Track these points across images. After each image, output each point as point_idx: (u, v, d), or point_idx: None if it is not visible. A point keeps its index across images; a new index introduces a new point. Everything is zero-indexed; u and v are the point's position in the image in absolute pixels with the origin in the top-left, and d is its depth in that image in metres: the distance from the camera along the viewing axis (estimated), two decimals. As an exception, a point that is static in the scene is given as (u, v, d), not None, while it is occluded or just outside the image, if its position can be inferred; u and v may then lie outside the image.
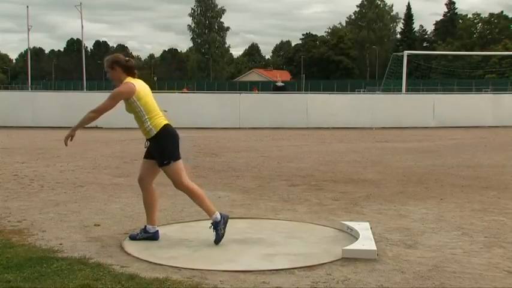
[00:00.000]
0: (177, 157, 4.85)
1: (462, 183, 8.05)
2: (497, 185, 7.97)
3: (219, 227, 4.81)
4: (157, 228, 4.97)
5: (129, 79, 4.81)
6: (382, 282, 3.85)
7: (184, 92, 26.96)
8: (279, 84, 26.58)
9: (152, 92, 5.03)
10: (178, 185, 4.91)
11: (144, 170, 5.00)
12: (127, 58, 4.88)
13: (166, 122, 4.86)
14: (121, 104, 4.92)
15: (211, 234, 4.84)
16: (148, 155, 4.96)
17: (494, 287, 3.83)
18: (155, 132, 4.79)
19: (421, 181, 8.27)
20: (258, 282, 3.85)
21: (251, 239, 4.99)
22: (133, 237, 4.92)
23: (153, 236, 4.91)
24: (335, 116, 20.35)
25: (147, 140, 4.88)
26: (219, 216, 4.83)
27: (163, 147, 4.80)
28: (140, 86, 4.82)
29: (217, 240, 4.78)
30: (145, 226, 4.96)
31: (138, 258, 4.37)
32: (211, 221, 4.85)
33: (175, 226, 5.46)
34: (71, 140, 4.94)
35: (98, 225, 5.45)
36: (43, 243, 4.74)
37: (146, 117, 4.79)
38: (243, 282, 3.86)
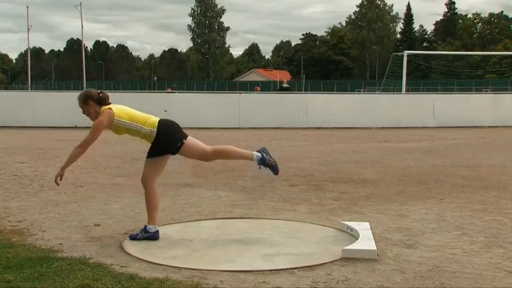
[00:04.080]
0: (184, 136, 4.90)
1: (462, 183, 8.05)
2: (497, 185, 7.97)
3: (267, 161, 4.85)
4: (157, 228, 4.97)
5: (104, 107, 4.86)
6: (382, 282, 3.85)
7: (169, 92, 27.22)
8: (285, 85, 27.59)
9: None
10: (205, 151, 4.92)
11: (148, 169, 4.99)
12: (99, 91, 4.94)
13: (159, 118, 4.93)
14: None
15: (212, 234, 4.84)
16: (153, 153, 4.96)
17: (494, 287, 3.83)
18: (156, 130, 4.84)
19: (421, 181, 8.27)
20: (258, 282, 3.85)
21: (251, 239, 4.99)
22: (133, 237, 4.92)
23: (154, 236, 4.91)
24: (335, 116, 20.34)
25: (151, 142, 4.90)
26: (259, 154, 4.87)
27: (171, 134, 4.86)
28: (116, 107, 4.90)
29: (276, 171, 4.85)
30: (146, 226, 4.96)
31: (138, 258, 4.36)
32: (256, 163, 4.87)
33: (175, 226, 5.46)
34: (61, 179, 4.95)
35: (98, 225, 5.45)
36: (43, 243, 4.74)
37: (139, 125, 4.84)
38: (243, 282, 3.85)
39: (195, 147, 4.93)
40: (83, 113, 4.97)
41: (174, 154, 4.94)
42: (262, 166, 4.87)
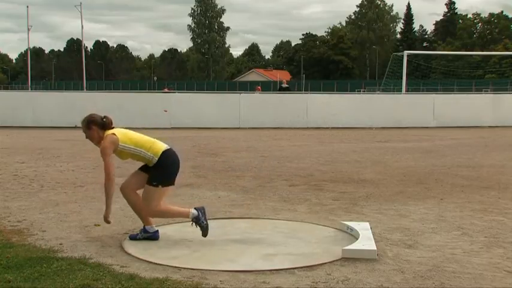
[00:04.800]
0: (168, 183, 4.89)
1: (462, 183, 8.05)
2: (497, 185, 7.97)
3: (200, 221, 4.85)
4: (156, 228, 4.97)
5: (107, 132, 4.86)
6: (382, 282, 3.86)
7: (165, 92, 27.35)
8: (284, 85, 27.88)
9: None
10: (148, 208, 4.88)
11: (134, 180, 4.99)
12: (102, 116, 4.93)
13: (164, 147, 4.89)
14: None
15: (212, 234, 4.84)
16: (145, 168, 4.97)
17: (494, 287, 3.83)
18: (157, 159, 4.83)
19: (421, 181, 8.27)
20: (258, 282, 3.85)
21: (251, 239, 4.99)
22: (133, 238, 4.92)
23: (153, 236, 4.92)
24: (335, 116, 20.36)
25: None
26: (195, 212, 4.87)
27: (162, 170, 4.84)
28: (120, 132, 4.90)
29: (205, 233, 4.83)
30: (145, 226, 4.96)
31: (138, 258, 4.37)
32: (190, 220, 4.89)
33: (175, 226, 5.46)
34: (108, 221, 4.94)
35: (98, 225, 5.45)
36: (43, 243, 4.74)
37: (143, 150, 4.84)
38: (243, 282, 3.86)
39: (155, 199, 4.83)
40: (86, 137, 4.96)
41: (147, 180, 4.88)
42: (194, 224, 4.87)
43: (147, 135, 5.07)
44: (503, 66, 71.52)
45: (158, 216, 5.01)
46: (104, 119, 4.89)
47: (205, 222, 4.85)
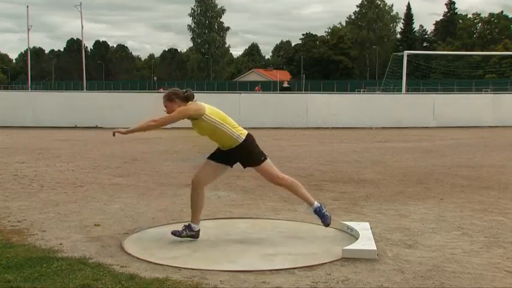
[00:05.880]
0: (265, 155, 4.99)
1: (462, 183, 8.05)
2: (497, 185, 7.96)
3: (323, 211, 4.97)
4: (199, 228, 4.94)
5: (190, 103, 4.84)
6: (382, 282, 3.85)
7: (161, 92, 27.50)
8: (285, 85, 28.12)
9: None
10: (277, 178, 4.98)
11: (206, 172, 4.97)
12: (184, 90, 4.93)
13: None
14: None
15: (212, 234, 4.83)
16: (221, 159, 4.94)
17: (494, 287, 3.83)
18: (243, 138, 4.87)
19: (421, 181, 8.27)
20: (258, 282, 3.85)
21: (251, 239, 4.99)
22: (177, 234, 4.86)
23: (196, 235, 4.90)
24: (335, 116, 20.35)
25: (229, 148, 4.90)
26: (318, 204, 4.99)
27: (254, 148, 4.93)
28: (206, 105, 4.88)
29: (327, 223, 4.98)
30: (190, 224, 4.92)
31: (138, 258, 4.36)
32: (312, 209, 5.00)
33: (176, 226, 5.45)
34: (113, 135, 4.87)
35: (98, 225, 5.45)
36: (43, 243, 4.74)
37: (228, 127, 4.85)
38: (243, 282, 3.85)
39: (272, 168, 4.98)
40: (166, 112, 4.89)
41: (248, 166, 4.98)
42: (315, 213, 5.02)
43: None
44: (503, 66, 71.52)
45: (288, 185, 5.01)
46: (186, 93, 4.88)
47: (328, 214, 4.99)
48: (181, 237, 4.86)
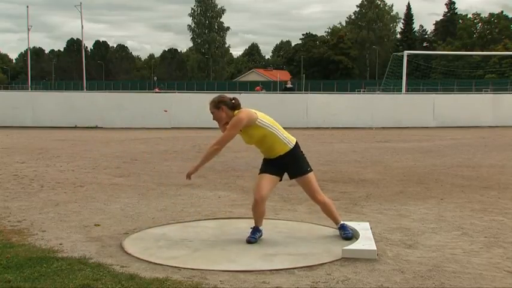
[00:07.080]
0: (310, 167, 4.96)
1: (462, 183, 8.05)
2: (497, 185, 7.97)
3: (347, 229, 4.95)
4: (262, 228, 4.96)
5: (240, 111, 4.79)
6: (382, 282, 3.86)
7: (156, 92, 27.51)
8: (289, 85, 28.39)
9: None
10: (318, 194, 4.94)
11: (267, 187, 4.85)
12: (231, 97, 4.89)
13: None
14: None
15: (212, 234, 4.83)
16: (274, 170, 4.87)
17: (494, 287, 3.83)
18: (293, 144, 4.85)
19: (421, 181, 8.27)
20: (258, 282, 3.85)
21: (251, 239, 4.98)
22: (253, 241, 4.83)
23: (256, 240, 4.90)
24: (335, 116, 20.35)
25: (277, 156, 4.83)
26: (342, 222, 5.01)
27: (302, 155, 4.90)
28: (255, 110, 4.83)
29: (348, 237, 4.87)
30: (257, 226, 4.95)
31: (138, 258, 4.36)
32: (338, 225, 4.99)
33: (175, 226, 5.46)
34: (189, 178, 5.01)
35: (98, 225, 5.45)
36: (43, 243, 4.74)
37: (279, 131, 4.81)
38: (243, 282, 3.86)
39: (315, 182, 4.95)
40: (213, 119, 4.88)
41: (294, 175, 4.92)
42: (340, 230, 4.98)
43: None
44: (503, 66, 71.50)
45: (329, 206, 4.99)
46: (233, 101, 4.83)
47: (351, 232, 4.93)
48: (257, 238, 4.86)
